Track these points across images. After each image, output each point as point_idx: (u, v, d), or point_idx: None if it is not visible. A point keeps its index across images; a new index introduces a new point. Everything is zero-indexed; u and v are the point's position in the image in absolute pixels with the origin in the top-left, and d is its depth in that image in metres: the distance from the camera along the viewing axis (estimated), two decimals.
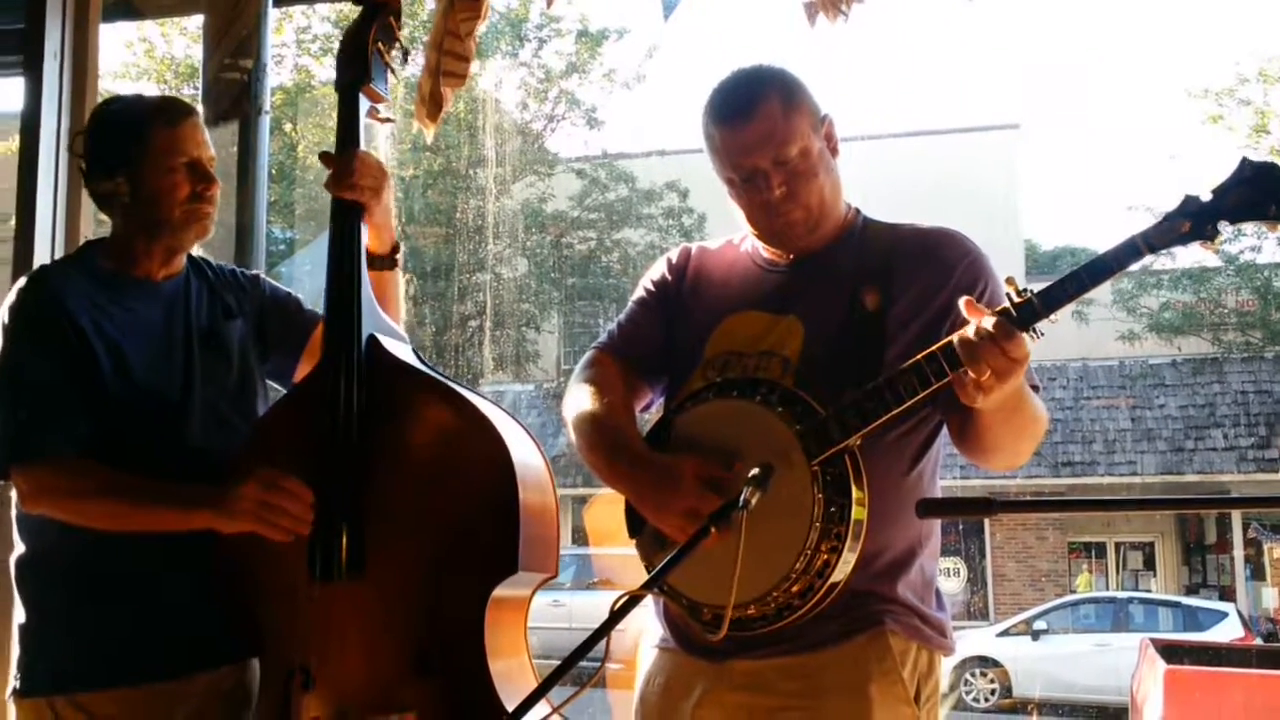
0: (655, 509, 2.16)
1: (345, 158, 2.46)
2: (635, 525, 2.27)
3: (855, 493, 2.06)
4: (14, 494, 2.37)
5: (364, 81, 2.52)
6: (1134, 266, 1.96)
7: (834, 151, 2.30)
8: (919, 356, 2.01)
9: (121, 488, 2.32)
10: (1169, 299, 21.21)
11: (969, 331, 1.91)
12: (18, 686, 2.39)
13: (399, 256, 2.60)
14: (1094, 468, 19.75)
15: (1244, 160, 1.91)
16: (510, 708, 2.14)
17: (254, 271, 2.76)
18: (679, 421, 2.26)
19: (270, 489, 2.23)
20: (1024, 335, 1.90)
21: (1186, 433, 20.03)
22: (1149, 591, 19.99)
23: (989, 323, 1.90)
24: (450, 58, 3.04)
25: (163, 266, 2.52)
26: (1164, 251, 1.93)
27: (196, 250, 2.62)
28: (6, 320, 2.40)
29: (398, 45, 2.61)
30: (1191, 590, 20.46)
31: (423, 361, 2.46)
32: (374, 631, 2.29)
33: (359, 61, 2.52)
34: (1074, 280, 1.94)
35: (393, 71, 2.59)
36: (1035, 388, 2.18)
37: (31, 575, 2.43)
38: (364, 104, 2.53)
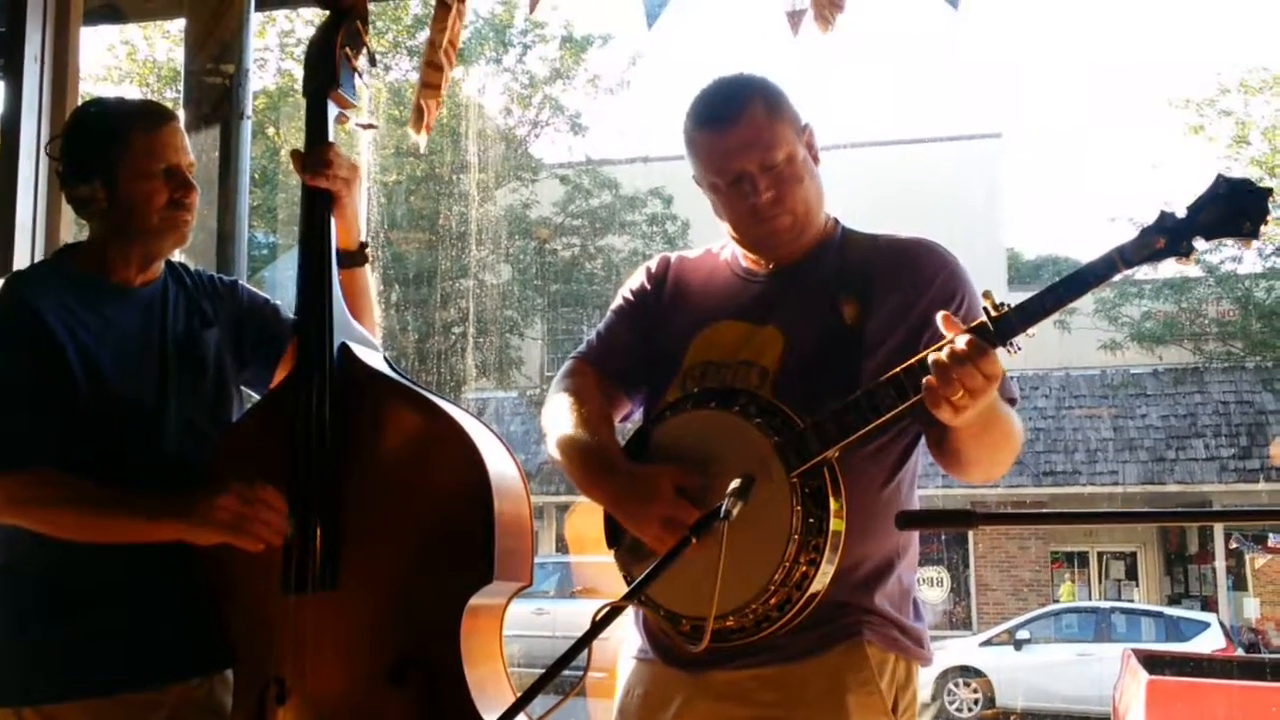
0: (633, 519, 2.16)
1: (318, 148, 2.45)
2: (614, 535, 2.27)
3: (833, 504, 2.06)
4: None
5: (332, 86, 2.50)
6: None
7: (815, 160, 2.31)
8: (898, 370, 2.01)
9: (92, 498, 2.29)
10: (1150, 309, 21.29)
11: (942, 353, 1.91)
12: None
13: (368, 253, 2.60)
14: (1076, 477, 19.80)
15: (1219, 177, 1.91)
16: (486, 716, 2.14)
17: (231, 278, 2.74)
18: (657, 432, 2.26)
19: (247, 501, 2.21)
20: (996, 352, 1.91)
21: (1168, 442, 20.10)
22: (1131, 601, 20.05)
23: (963, 342, 1.90)
24: (428, 68, 3.05)
25: (140, 272, 2.49)
26: (1141, 266, 1.94)
27: (176, 255, 2.60)
28: None
29: (365, 50, 2.59)
30: (1174, 600, 20.52)
31: (395, 370, 2.45)
32: (349, 642, 2.28)
33: (326, 67, 2.50)
34: (1051, 294, 1.95)
35: (360, 76, 2.58)
36: (1012, 400, 2.19)
37: (1, 584, 2.41)
38: (333, 110, 2.52)
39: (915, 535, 2.32)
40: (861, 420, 2.03)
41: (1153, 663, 9.85)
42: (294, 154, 2.49)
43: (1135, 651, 10.52)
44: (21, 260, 3.42)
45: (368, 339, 2.49)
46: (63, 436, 2.31)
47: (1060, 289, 1.95)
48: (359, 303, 2.55)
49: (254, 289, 2.71)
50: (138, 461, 2.36)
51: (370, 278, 2.64)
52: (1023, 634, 16.63)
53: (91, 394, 2.34)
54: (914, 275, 2.24)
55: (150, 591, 2.35)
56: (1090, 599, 20.32)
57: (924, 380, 1.94)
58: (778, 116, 2.24)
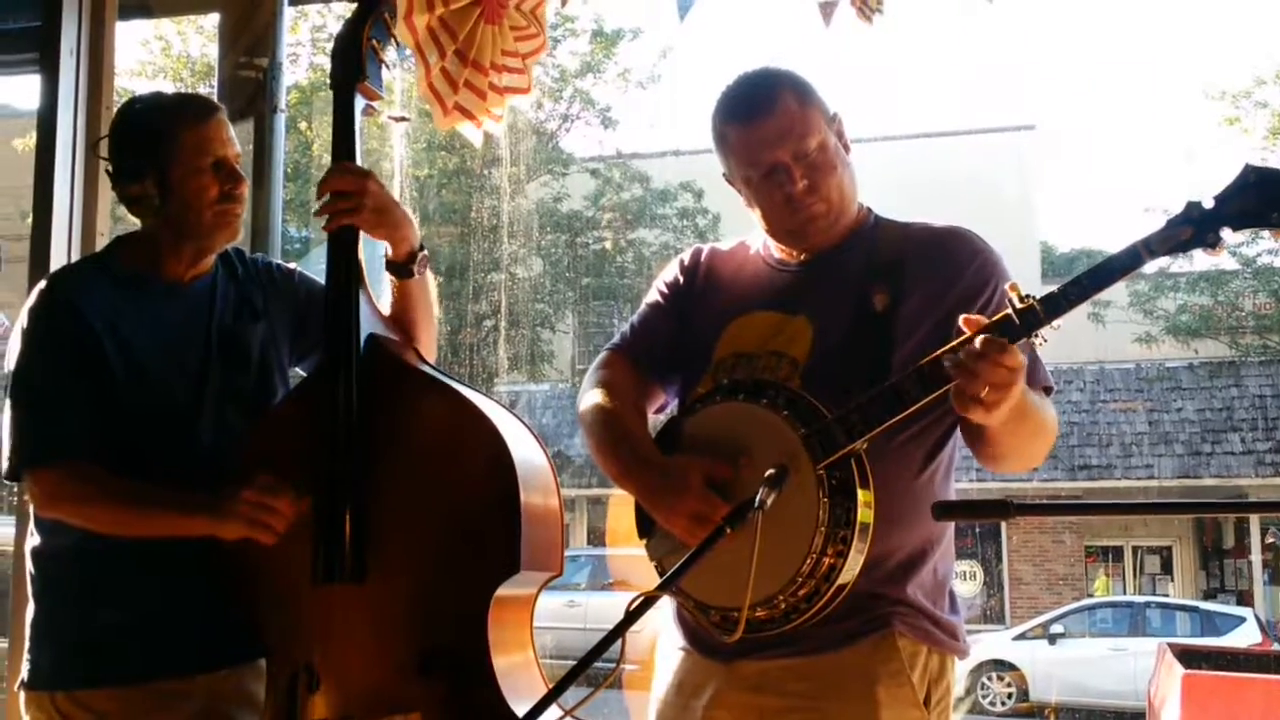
0: (663, 511, 2.17)
1: (324, 192, 2.40)
2: (645, 526, 2.27)
3: (862, 495, 2.05)
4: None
5: (359, 79, 2.49)
6: (1148, 269, 1.96)
7: (846, 148, 2.31)
8: (923, 361, 2.01)
9: (125, 494, 2.33)
10: (1186, 302, 21.10)
11: (960, 355, 1.91)
12: (25, 678, 2.42)
13: (415, 266, 2.48)
14: (1111, 471, 19.66)
15: (1247, 166, 1.90)
16: (515, 706, 2.15)
17: (290, 266, 2.72)
18: (687, 424, 2.26)
19: (265, 493, 2.24)
20: (1013, 345, 1.90)
21: (1204, 436, 19.93)
22: (1166, 596, 19.88)
23: (978, 342, 1.90)
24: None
25: (191, 267, 2.51)
26: (1168, 256, 1.93)
27: None
28: (24, 324, 2.41)
29: (393, 41, 2.59)
30: (1209, 595, 20.35)
31: (424, 361, 2.45)
32: (377, 632, 2.29)
33: (353, 59, 2.50)
34: (1076, 286, 1.95)
35: (388, 68, 2.58)
36: (1048, 389, 2.18)
37: (41, 569, 2.45)
38: (360, 102, 2.51)
39: (951, 526, 2.32)
40: (887, 412, 2.03)
41: (1188, 657, 9.75)
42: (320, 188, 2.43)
43: (1171, 645, 10.41)
44: (59, 251, 3.44)
45: (397, 334, 2.49)
46: (101, 433, 2.34)
47: (1086, 280, 1.95)
48: (416, 313, 2.52)
49: (312, 277, 2.68)
50: (173, 458, 2.39)
51: (429, 289, 2.55)
52: (1057, 628, 16.53)
53: (130, 392, 2.37)
54: (946, 263, 2.24)
55: (183, 582, 2.38)
56: (1125, 593, 20.18)
57: (951, 386, 1.94)
58: (808, 105, 2.25)
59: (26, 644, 2.45)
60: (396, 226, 2.46)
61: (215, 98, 3.54)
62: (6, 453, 2.37)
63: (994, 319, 1.96)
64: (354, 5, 2.59)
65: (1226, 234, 1.90)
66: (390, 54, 2.58)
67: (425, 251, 2.52)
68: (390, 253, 2.49)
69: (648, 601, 1.75)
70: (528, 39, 3.02)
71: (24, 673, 2.43)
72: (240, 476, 2.29)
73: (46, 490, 2.34)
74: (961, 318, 1.96)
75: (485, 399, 2.36)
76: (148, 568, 2.36)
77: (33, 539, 2.46)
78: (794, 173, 2.22)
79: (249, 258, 2.66)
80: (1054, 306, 1.94)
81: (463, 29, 2.84)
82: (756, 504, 1.87)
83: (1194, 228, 1.90)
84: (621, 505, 2.35)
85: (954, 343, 1.96)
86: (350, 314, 2.39)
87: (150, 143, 2.43)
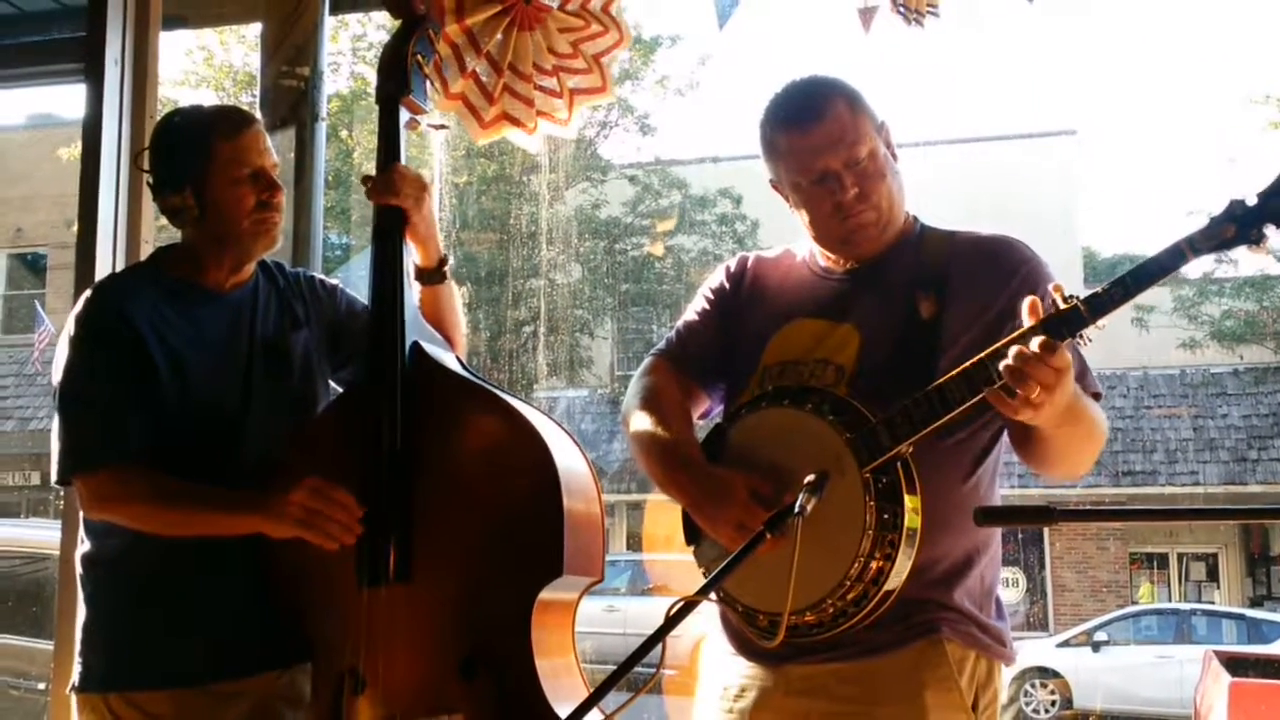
0: (708, 519, 2.18)
1: (385, 173, 2.48)
2: (692, 532, 2.27)
3: (908, 500, 2.05)
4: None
5: (403, 93, 2.54)
6: (1193, 273, 1.94)
7: (894, 157, 2.31)
8: (968, 364, 2.00)
9: (175, 493, 2.35)
10: (1231, 307, 20.84)
11: (1010, 356, 1.90)
12: (76, 682, 2.44)
13: (448, 269, 2.61)
14: (1155, 477, 19.45)
15: None
16: (558, 709, 2.16)
17: (334, 282, 2.76)
18: (732, 430, 2.26)
19: (317, 497, 2.24)
20: (1063, 346, 1.89)
21: (1250, 442, 19.69)
22: (1212, 603, 19.67)
23: (1035, 343, 1.89)
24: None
25: (231, 275, 2.54)
26: (1212, 255, 1.92)
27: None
28: (71, 330, 2.44)
29: (437, 56, 2.61)
30: (1256, 602, 20.09)
31: (466, 368, 2.47)
32: (421, 635, 2.30)
33: (398, 73, 2.54)
34: (1119, 286, 1.93)
35: (432, 83, 2.60)
36: (1097, 395, 2.17)
37: (93, 574, 2.48)
38: (404, 115, 2.55)
39: (997, 533, 2.30)
40: (931, 415, 2.02)
41: (1235, 665, 9.64)
42: (364, 179, 2.52)
43: (1217, 653, 10.28)
44: (104, 258, 3.48)
45: (440, 339, 2.51)
46: (149, 437, 2.36)
47: (1129, 280, 1.93)
48: (445, 319, 2.58)
49: (354, 295, 2.73)
50: (219, 464, 2.41)
51: (455, 294, 2.65)
52: (1101, 635, 16.38)
53: (177, 398, 2.40)
54: (993, 271, 2.24)
55: (233, 586, 2.40)
56: (1170, 600, 19.97)
57: (997, 385, 1.93)
58: (859, 113, 2.26)
59: (77, 647, 2.47)
60: (432, 231, 2.55)
61: (257, 107, 3.58)
62: (56, 458, 2.39)
63: (1040, 320, 1.95)
64: (393, 15, 2.61)
65: (1271, 231, 1.88)
66: (434, 69, 2.60)
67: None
68: (421, 260, 2.55)
69: (687, 606, 1.76)
70: (593, 39, 2.97)
71: (75, 676, 2.45)
72: (284, 478, 2.30)
73: (96, 492, 2.36)
74: (1027, 300, 1.94)
75: (527, 405, 2.38)
76: (202, 569, 2.38)
77: (83, 545, 2.49)
78: (844, 180, 2.22)
79: (290, 271, 2.70)
80: (1098, 306, 1.93)
81: (490, 39, 2.84)
82: (796, 510, 1.87)
83: (1237, 225, 1.88)
84: (658, 511, 2.36)
85: (1000, 343, 1.95)
86: (396, 301, 2.42)
87: (187, 156, 2.47)
